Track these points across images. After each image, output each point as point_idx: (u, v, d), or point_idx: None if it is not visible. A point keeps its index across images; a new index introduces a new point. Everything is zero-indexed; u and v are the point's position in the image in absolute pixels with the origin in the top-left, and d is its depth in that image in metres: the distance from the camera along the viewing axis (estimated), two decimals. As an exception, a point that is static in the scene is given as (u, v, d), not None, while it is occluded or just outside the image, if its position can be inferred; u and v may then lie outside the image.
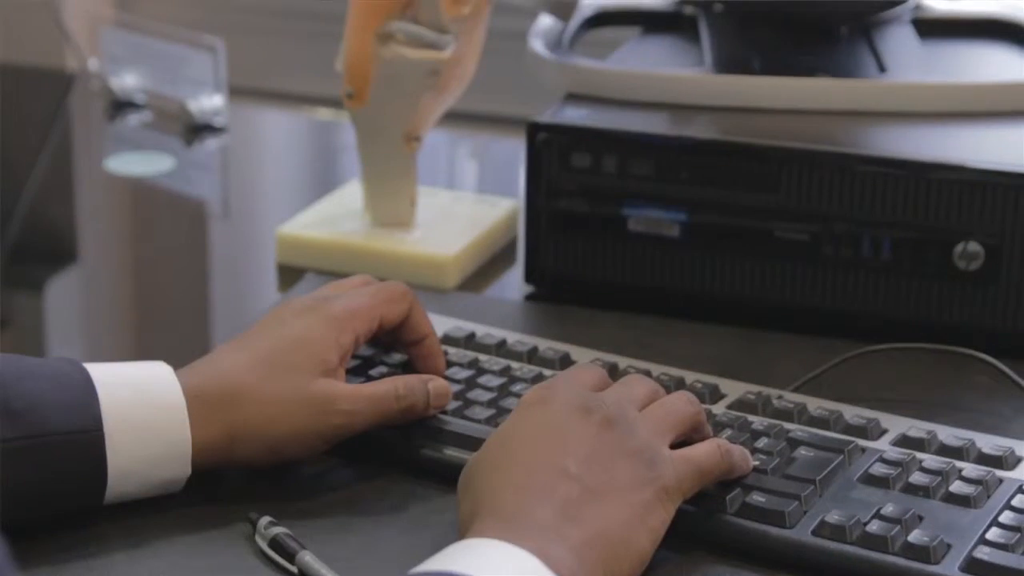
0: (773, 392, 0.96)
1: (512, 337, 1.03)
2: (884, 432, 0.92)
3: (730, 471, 0.86)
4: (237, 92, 1.54)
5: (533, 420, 0.83)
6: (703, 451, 0.85)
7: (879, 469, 0.88)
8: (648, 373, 0.97)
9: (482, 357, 1.00)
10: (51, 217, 1.39)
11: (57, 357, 0.89)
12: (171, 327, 1.19)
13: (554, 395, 0.84)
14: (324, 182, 1.43)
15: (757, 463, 0.88)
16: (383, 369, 0.98)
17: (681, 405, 0.87)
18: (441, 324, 1.03)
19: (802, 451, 0.90)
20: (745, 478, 0.87)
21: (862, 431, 0.92)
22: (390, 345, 1.00)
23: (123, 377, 0.87)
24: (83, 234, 1.37)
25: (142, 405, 0.86)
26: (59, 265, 1.31)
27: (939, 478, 0.87)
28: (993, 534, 0.83)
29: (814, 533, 0.84)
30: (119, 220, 1.41)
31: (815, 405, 0.95)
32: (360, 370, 0.98)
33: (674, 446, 0.85)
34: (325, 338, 0.92)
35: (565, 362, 1.00)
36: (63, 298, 1.25)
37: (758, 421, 0.93)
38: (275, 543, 0.85)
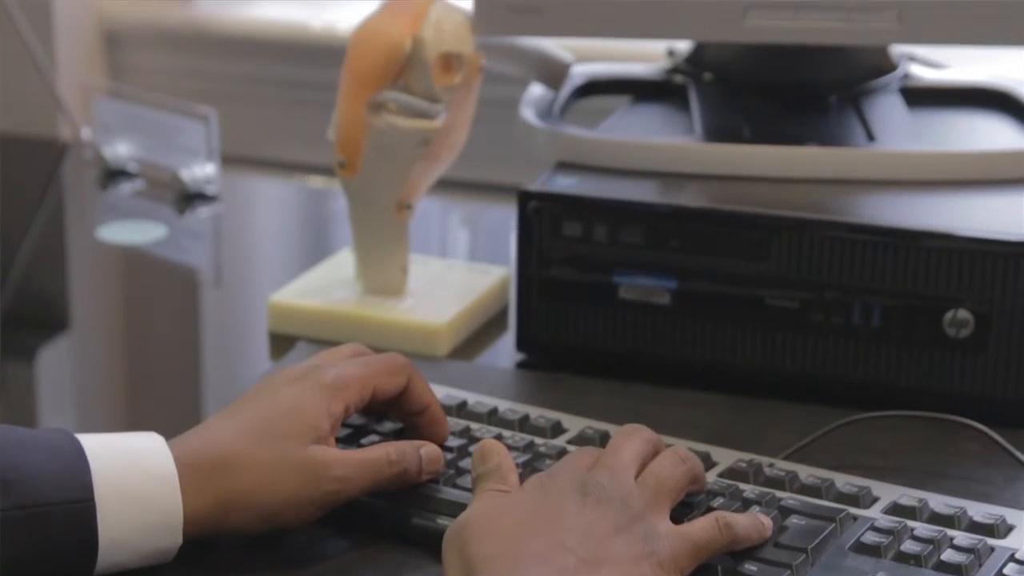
0: (764, 460, 0.96)
1: (504, 405, 1.03)
2: (875, 500, 0.92)
3: (733, 543, 0.86)
4: (230, 160, 1.55)
5: (528, 499, 0.84)
6: (700, 527, 0.85)
7: (871, 537, 0.88)
8: (640, 441, 0.97)
9: (474, 425, 1.00)
10: (43, 286, 1.39)
11: (48, 427, 0.89)
12: (163, 396, 1.19)
13: (551, 480, 0.85)
14: (316, 250, 1.44)
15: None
16: (374, 438, 0.98)
17: (671, 469, 0.87)
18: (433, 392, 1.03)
19: (794, 519, 0.90)
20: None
21: (854, 499, 0.92)
22: (381, 414, 1.00)
23: (114, 447, 0.87)
24: (75, 303, 1.37)
25: (133, 475, 0.86)
26: (51, 334, 1.31)
27: (931, 546, 0.87)
28: (985, 602, 0.83)
29: (806, 602, 0.84)
30: (111, 289, 1.42)
31: (806, 473, 0.95)
32: (351, 439, 0.98)
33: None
34: (316, 406, 0.92)
35: (556, 430, 1.00)
36: (55, 367, 1.25)
37: (749, 489, 0.93)
38: (266, 613, 0.85)
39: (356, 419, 0.99)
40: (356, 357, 0.98)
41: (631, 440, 0.89)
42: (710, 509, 0.89)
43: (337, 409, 0.93)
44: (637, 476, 0.86)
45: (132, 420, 1.17)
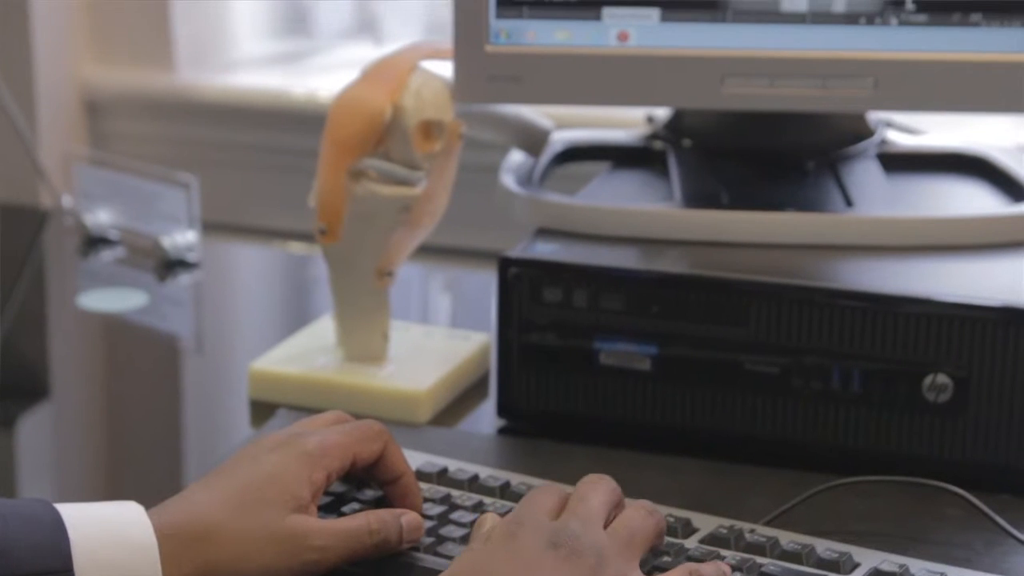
0: (745, 526, 0.96)
1: (484, 472, 1.03)
2: (857, 566, 0.92)
3: None
4: (210, 227, 1.55)
5: (501, 555, 0.83)
6: (671, 579, 0.85)
7: (852, 603, 0.88)
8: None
9: (454, 492, 1.00)
10: (23, 353, 1.39)
11: (28, 498, 0.89)
12: (143, 464, 1.19)
13: (520, 530, 0.84)
14: (297, 316, 1.44)
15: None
16: (355, 506, 0.98)
17: (641, 521, 0.88)
18: (413, 459, 1.03)
19: (775, 586, 0.90)
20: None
21: (834, 565, 0.92)
22: (363, 481, 1.00)
23: (94, 517, 0.87)
24: (55, 371, 1.37)
25: (113, 545, 0.86)
26: (31, 402, 1.30)
27: (912, 612, 0.87)
28: (967, 669, 0.83)
29: (788, 669, 0.84)
30: (92, 357, 1.41)
31: (787, 539, 0.95)
32: (332, 507, 0.98)
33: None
34: (297, 474, 0.92)
35: (537, 497, 1.00)
36: (35, 435, 1.25)
37: (730, 555, 0.93)
38: None
39: (337, 487, 0.99)
40: (336, 424, 0.98)
41: (598, 489, 0.89)
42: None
43: (319, 477, 0.93)
44: (605, 526, 0.87)
45: (112, 489, 1.17)
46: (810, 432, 1.09)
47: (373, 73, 1.17)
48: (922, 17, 1.13)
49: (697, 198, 1.19)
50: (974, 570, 0.92)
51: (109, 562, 0.85)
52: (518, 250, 1.14)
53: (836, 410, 1.08)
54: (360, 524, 0.92)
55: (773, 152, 1.23)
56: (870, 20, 1.13)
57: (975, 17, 1.12)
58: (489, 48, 1.17)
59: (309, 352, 1.24)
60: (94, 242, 1.57)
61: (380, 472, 0.97)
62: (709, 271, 1.10)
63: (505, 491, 1.01)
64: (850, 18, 1.14)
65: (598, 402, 1.13)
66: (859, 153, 1.24)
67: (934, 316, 1.05)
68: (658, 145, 1.28)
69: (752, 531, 0.96)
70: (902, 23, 1.13)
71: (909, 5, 1.13)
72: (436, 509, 0.98)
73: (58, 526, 0.85)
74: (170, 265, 1.51)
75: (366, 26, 1.83)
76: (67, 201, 1.62)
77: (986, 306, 1.05)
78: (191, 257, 1.51)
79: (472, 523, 0.96)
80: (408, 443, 1.04)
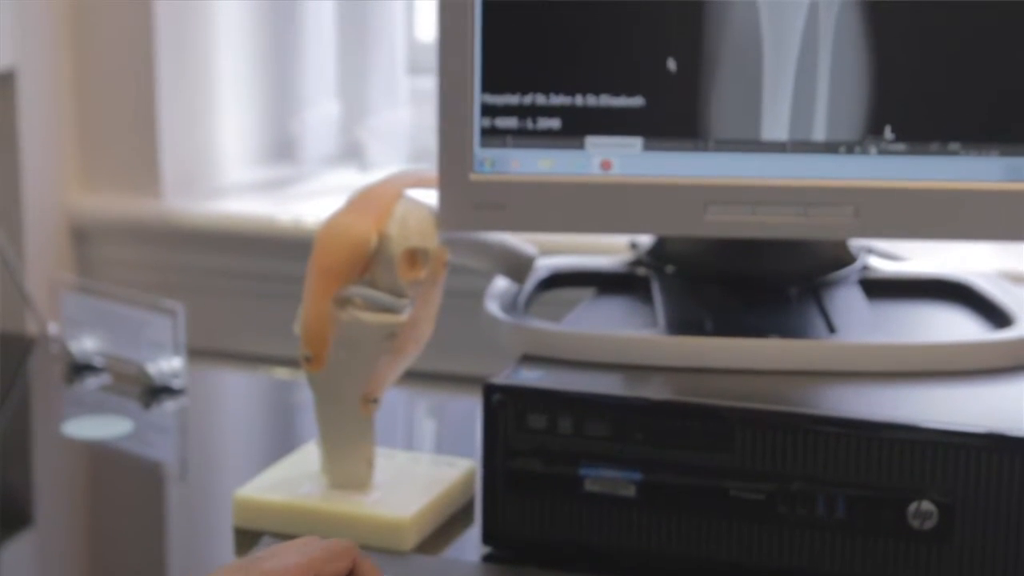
0: (732, 655, 0.96)
1: (470, 601, 1.03)
2: None
3: None
4: (196, 353, 1.55)
5: None
6: None
7: None
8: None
9: (439, 621, 1.00)
10: (7, 481, 1.38)
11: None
12: (126, 593, 1.18)
13: None
14: (282, 443, 1.43)
15: None
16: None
17: None
18: (398, 588, 1.03)
19: None
20: None
21: None
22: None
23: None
24: (39, 499, 1.37)
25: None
26: (14, 530, 1.30)
27: None
28: None
29: None
30: (76, 485, 1.41)
31: (774, 668, 0.94)
32: (316, 637, 0.97)
33: None
34: (255, 599, 0.91)
35: (523, 626, 1.00)
36: (18, 564, 1.24)
37: None
38: None
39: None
40: (304, 547, 0.97)
41: None
42: None
43: (276, 600, 0.92)
44: None
45: (95, 618, 1.16)
46: (796, 559, 1.09)
47: (359, 201, 1.18)
48: (901, 146, 1.14)
49: (681, 325, 1.19)
50: None
51: None
52: (503, 376, 1.15)
53: (821, 537, 1.08)
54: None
55: (756, 279, 1.23)
56: (850, 149, 1.15)
57: (953, 146, 1.14)
58: (474, 176, 1.18)
59: (294, 479, 1.24)
60: (79, 369, 1.57)
61: (354, 589, 0.96)
62: (693, 398, 1.11)
63: (490, 620, 1.00)
64: (830, 147, 1.15)
65: (583, 529, 1.13)
66: (841, 279, 1.25)
67: (918, 443, 1.06)
68: (642, 271, 1.29)
69: (738, 660, 0.95)
70: (881, 152, 1.14)
71: (888, 134, 1.14)
72: (421, 638, 0.97)
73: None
74: (155, 392, 1.51)
75: (351, 153, 1.85)
76: (53, 328, 1.62)
77: (971, 433, 1.05)
78: (176, 384, 1.51)
79: (457, 652, 0.96)
80: (393, 571, 1.04)
